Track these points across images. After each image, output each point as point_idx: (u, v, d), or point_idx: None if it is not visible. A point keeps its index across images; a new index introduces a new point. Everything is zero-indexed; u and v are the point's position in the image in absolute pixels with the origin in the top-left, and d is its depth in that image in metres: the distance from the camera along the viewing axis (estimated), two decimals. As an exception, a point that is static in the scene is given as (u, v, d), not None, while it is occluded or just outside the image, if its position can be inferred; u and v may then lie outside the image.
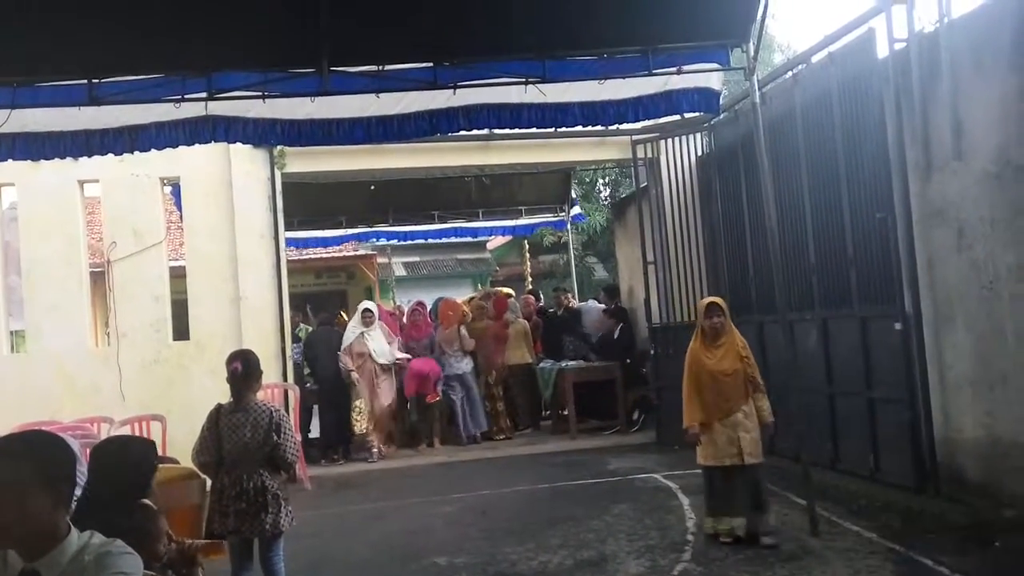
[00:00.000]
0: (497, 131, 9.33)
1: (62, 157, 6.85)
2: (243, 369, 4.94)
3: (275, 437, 4.85)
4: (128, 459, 3.52)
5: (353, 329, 10.96)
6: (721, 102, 7.66)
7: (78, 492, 2.94)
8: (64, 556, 2.28)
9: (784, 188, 8.42)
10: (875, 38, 7.20)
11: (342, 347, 10.86)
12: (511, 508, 7.87)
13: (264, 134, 6.99)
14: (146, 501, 3.47)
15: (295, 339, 11.48)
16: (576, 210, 16.24)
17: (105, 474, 3.41)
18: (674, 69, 6.87)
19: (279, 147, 10.29)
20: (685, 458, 9.14)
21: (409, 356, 11.20)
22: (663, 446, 10.05)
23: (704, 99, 7.14)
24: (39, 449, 2.36)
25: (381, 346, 10.91)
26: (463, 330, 11.64)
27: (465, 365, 11.57)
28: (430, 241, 18.11)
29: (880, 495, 6.97)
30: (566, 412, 11.48)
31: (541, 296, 14.97)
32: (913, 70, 6.86)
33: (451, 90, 6.79)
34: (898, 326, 6.97)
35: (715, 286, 10.26)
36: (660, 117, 7.58)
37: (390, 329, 11.51)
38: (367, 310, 11.08)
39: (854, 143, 7.45)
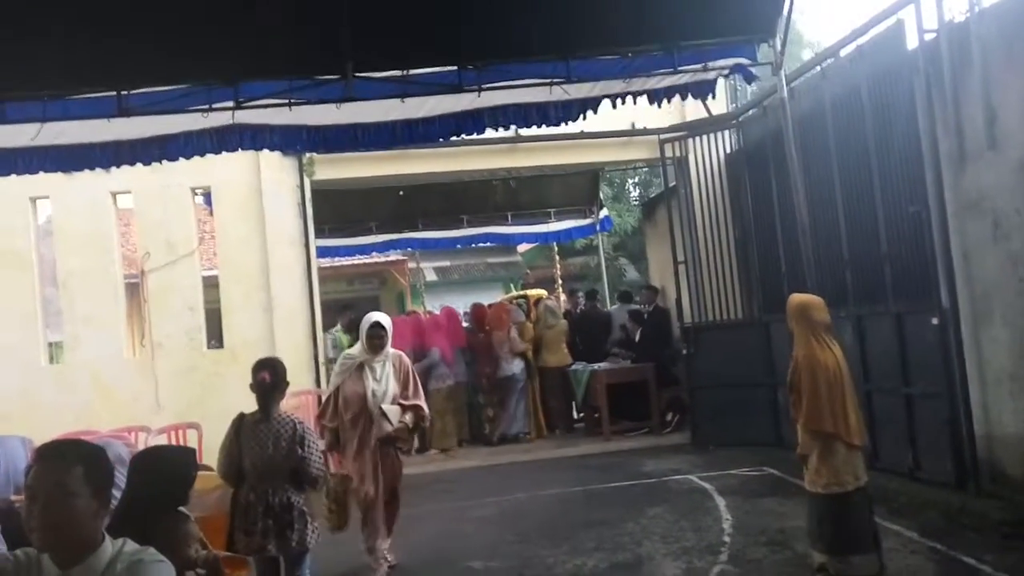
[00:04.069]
0: (524, 133, 9.36)
1: (92, 168, 6.98)
2: (272, 379, 4.80)
3: (299, 451, 4.71)
4: (168, 468, 3.54)
5: (347, 360, 6.41)
6: (751, 88, 7.59)
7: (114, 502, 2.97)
8: (99, 564, 2.29)
9: (815, 184, 8.32)
10: (904, 30, 7.10)
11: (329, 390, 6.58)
12: (545, 511, 7.83)
13: (290, 140, 7.07)
14: (182, 508, 3.50)
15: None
16: (604, 212, 16.15)
17: (145, 482, 3.44)
18: (700, 66, 6.83)
19: (308, 155, 10.38)
20: (721, 459, 9.13)
21: (425, 412, 6.45)
22: (698, 447, 9.97)
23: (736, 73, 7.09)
24: (89, 455, 2.39)
25: (388, 393, 6.23)
26: (513, 332, 11.74)
27: (516, 366, 11.65)
28: (460, 246, 18.08)
29: (920, 493, 6.85)
30: (598, 415, 11.44)
31: (581, 297, 14.81)
32: (944, 61, 6.75)
33: (476, 92, 6.80)
34: (935, 321, 6.84)
35: (746, 284, 10.18)
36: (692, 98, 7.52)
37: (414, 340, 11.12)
38: (375, 325, 6.24)
39: (885, 136, 7.34)
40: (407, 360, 6.47)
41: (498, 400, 11.78)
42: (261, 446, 4.71)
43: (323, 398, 10.04)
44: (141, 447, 7.71)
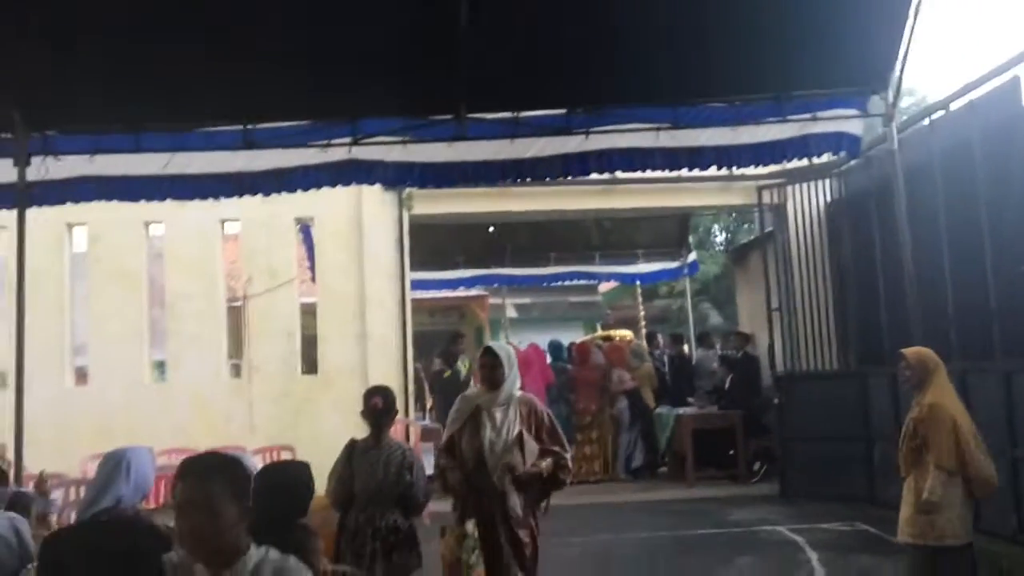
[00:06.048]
0: (621, 175, 9.42)
1: (216, 197, 7.28)
2: (384, 404, 4.91)
3: (408, 476, 4.77)
4: (291, 483, 3.69)
5: (462, 404, 5.00)
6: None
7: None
8: (246, 568, 2.43)
9: (920, 237, 8.17)
10: (1020, 85, 7.01)
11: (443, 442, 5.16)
12: (632, 555, 7.78)
13: (402, 176, 7.27)
14: (304, 521, 3.63)
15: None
16: (692, 256, 16.09)
17: (271, 495, 3.57)
18: (809, 115, 6.84)
19: (407, 190, 10.62)
20: (812, 512, 8.94)
21: (568, 464, 4.95)
22: (788, 498, 9.78)
23: (843, 143, 7.04)
24: (227, 467, 2.54)
25: (507, 443, 4.75)
26: (614, 373, 11.88)
27: (620, 403, 11.79)
28: (545, 284, 18.17)
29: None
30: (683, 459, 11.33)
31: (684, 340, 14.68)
32: (1062, 118, 6.64)
33: (583, 135, 6.93)
34: (1045, 381, 6.67)
35: (842, 335, 10.02)
36: (798, 159, 7.50)
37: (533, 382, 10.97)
38: (485, 352, 5.02)
39: (998, 193, 7.22)
40: (540, 404, 5.04)
41: (597, 437, 11.78)
42: (372, 471, 4.78)
43: (409, 428, 10.31)
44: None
